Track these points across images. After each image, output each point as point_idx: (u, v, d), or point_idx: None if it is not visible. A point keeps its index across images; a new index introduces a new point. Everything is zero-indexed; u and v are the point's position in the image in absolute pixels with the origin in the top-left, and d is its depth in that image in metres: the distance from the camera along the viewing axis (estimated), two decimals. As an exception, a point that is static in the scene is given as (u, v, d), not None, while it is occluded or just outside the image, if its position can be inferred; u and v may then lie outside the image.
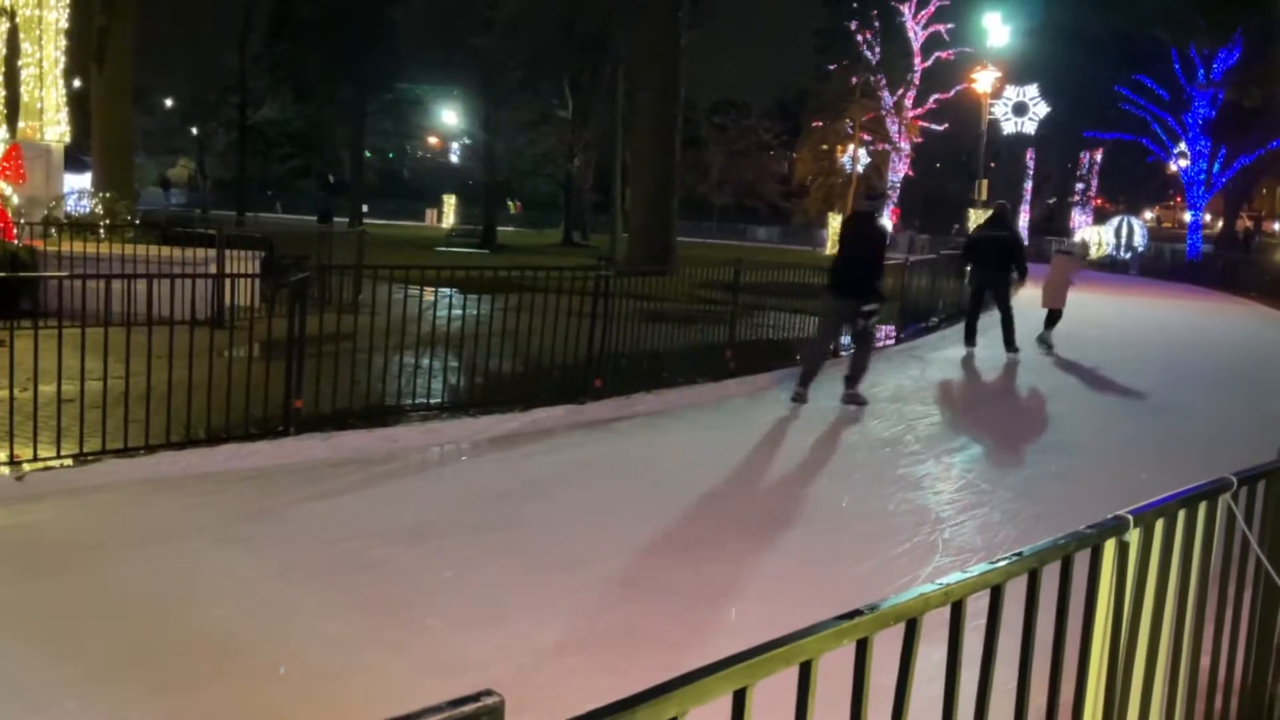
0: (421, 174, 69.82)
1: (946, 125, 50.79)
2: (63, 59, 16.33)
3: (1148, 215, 63.61)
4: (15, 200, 14.89)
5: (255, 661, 4.33)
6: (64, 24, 16.25)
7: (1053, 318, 15.66)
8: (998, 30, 34.79)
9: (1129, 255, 42.49)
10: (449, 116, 59.48)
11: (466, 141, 59.75)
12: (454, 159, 67.36)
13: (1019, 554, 2.23)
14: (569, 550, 5.91)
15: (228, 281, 11.47)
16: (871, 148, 51.64)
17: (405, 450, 8.03)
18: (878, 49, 50.42)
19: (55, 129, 16.26)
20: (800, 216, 56.79)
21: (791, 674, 1.72)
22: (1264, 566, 3.33)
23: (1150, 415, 11.27)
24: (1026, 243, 46.57)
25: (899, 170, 53.66)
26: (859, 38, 50.01)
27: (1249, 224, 60.85)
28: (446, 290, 14.81)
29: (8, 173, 14.88)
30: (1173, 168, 48.30)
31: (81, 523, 6.15)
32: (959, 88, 45.66)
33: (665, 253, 25.54)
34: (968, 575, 2.06)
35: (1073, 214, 58.50)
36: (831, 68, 52.27)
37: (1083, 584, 2.56)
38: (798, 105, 61.65)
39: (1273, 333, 20.50)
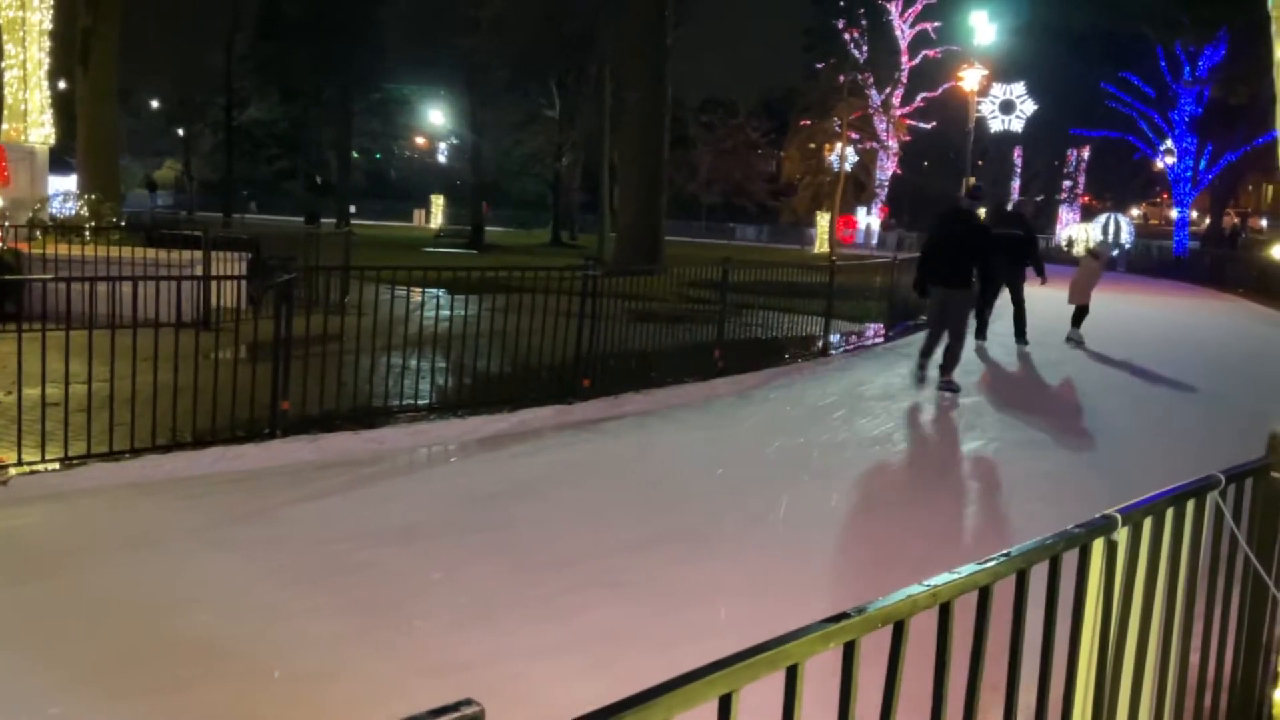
0: (409, 174, 69.68)
1: (934, 123, 50.94)
2: (47, 60, 16.25)
3: (1134, 212, 63.84)
4: (0, 203, 14.81)
5: (242, 664, 4.30)
6: (48, 25, 16.17)
7: (1079, 314, 16.07)
8: (984, 28, 34.86)
9: (1116, 252, 42.61)
10: (436, 117, 59.43)
11: (454, 142, 59.72)
12: (441, 159, 67.29)
13: (1007, 554, 2.22)
14: (558, 551, 5.89)
15: (214, 283, 11.42)
16: (859, 146, 51.71)
17: (393, 452, 8.00)
18: (865, 47, 50.51)
19: (40, 131, 16.18)
20: (788, 215, 56.84)
21: (779, 676, 1.70)
22: (1252, 564, 3.33)
23: (1140, 412, 11.29)
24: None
25: (887, 168, 53.79)
26: (846, 36, 50.10)
27: (1236, 221, 61.10)
28: (434, 291, 14.78)
29: (-8, 175, 14.80)
30: (1159, 165, 48.49)
31: (67, 527, 6.11)
32: (946, 86, 45.78)
33: (653, 252, 25.54)
34: (955, 576, 2.04)
35: (1060, 211, 58.66)
36: (819, 66, 52.35)
37: (1071, 583, 2.56)
38: (785, 104, 61.67)
39: (1260, 328, 20.59)
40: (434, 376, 10.16)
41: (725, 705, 1.57)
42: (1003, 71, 46.16)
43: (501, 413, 9.12)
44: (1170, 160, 44.84)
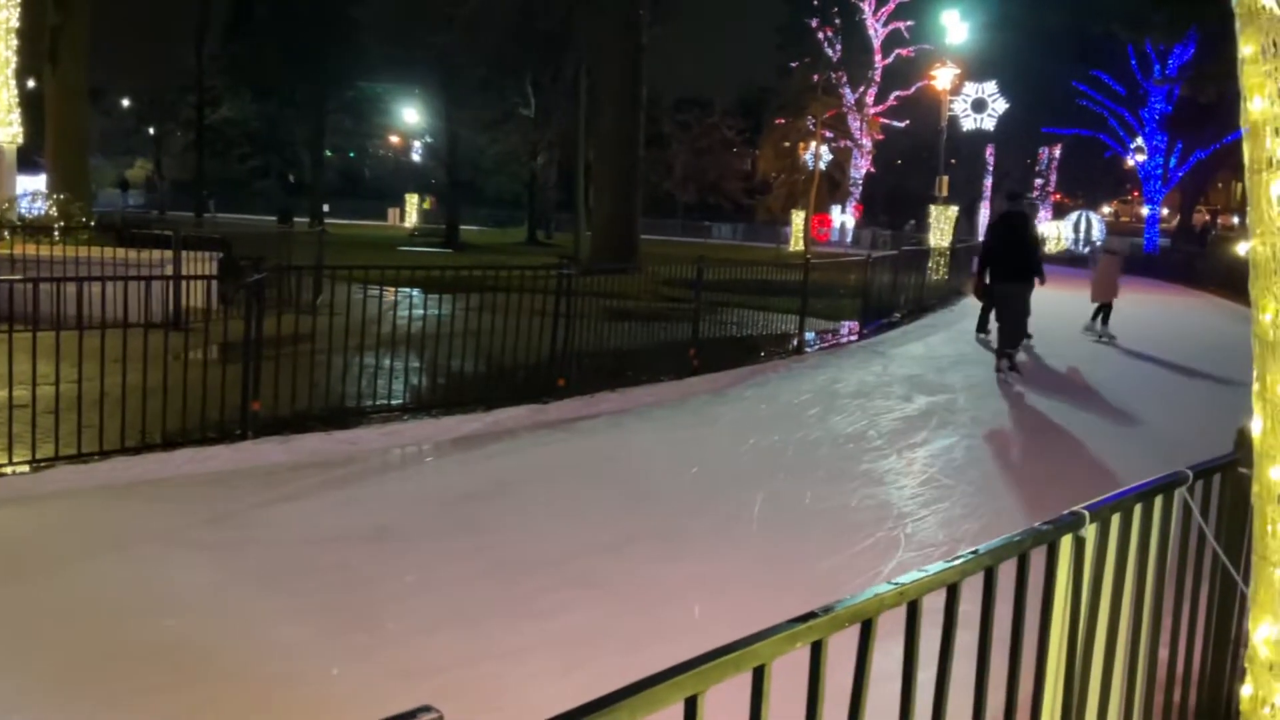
0: (383, 173, 69.31)
1: (907, 122, 51.12)
2: (14, 59, 16.08)
3: (1105, 210, 64.30)
4: (-33, 203, 14.64)
5: (213, 669, 4.26)
6: (15, 23, 16.00)
7: (1105, 311, 16.59)
8: (956, 27, 34.99)
9: (1087, 249, 42.91)
10: (410, 115, 59.10)
11: (428, 140, 59.42)
12: (416, 158, 66.98)
13: (975, 552, 2.22)
14: (532, 551, 5.87)
15: (184, 283, 11.33)
16: (834, 145, 51.86)
17: (365, 452, 7.95)
18: (838, 46, 50.68)
19: (7, 130, 16.01)
20: (764, 213, 56.89)
21: (746, 675, 1.69)
22: (1220, 559, 3.35)
23: (1113, 408, 11.37)
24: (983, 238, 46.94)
25: (861, 167, 53.98)
26: (820, 35, 50.23)
27: (1207, 218, 61.67)
28: (409, 290, 14.71)
29: (-42, 175, 14.63)
30: (1130, 163, 48.87)
31: (34, 531, 6.04)
32: (919, 85, 45.93)
33: (629, 251, 25.52)
34: (924, 574, 2.04)
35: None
36: (793, 65, 52.43)
37: (1040, 580, 2.56)
38: (760, 103, 61.76)
39: (1229, 325, 20.76)
40: (408, 376, 10.11)
41: (691, 707, 1.56)
42: (975, 70, 46.38)
43: (476, 412, 9.09)
44: (1141, 158, 45.22)
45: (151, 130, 61.60)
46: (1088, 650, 2.78)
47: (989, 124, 51.87)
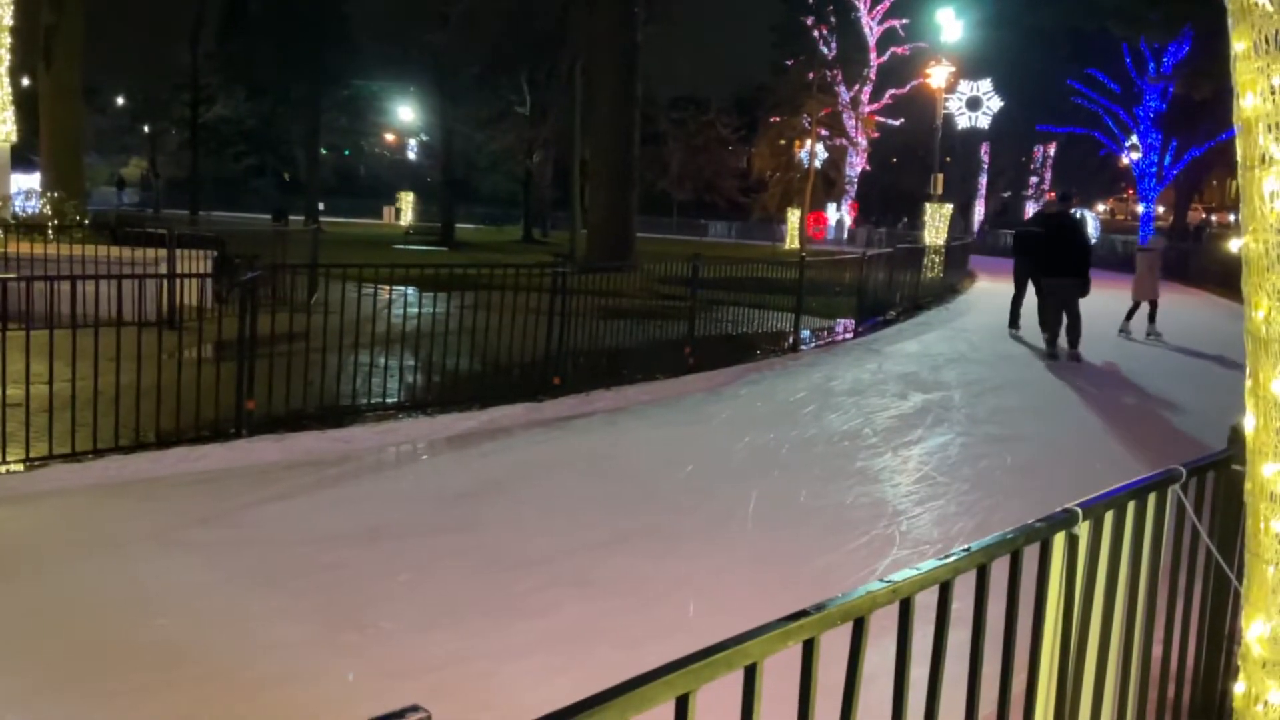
0: (378, 171, 69.23)
1: (902, 120, 51.13)
2: (8, 57, 16.05)
3: (1100, 208, 64.36)
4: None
5: (206, 668, 4.26)
6: (9, 21, 15.98)
7: (1152, 310, 16.80)
8: (951, 25, 34.97)
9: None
10: (405, 113, 59.02)
11: (424, 138, 59.34)
12: (411, 156, 66.91)
13: (967, 549, 2.22)
14: (527, 550, 5.87)
15: (179, 282, 11.31)
16: (829, 143, 51.86)
17: (360, 451, 7.94)
18: (834, 44, 50.65)
19: (1, 128, 15.97)
20: (759, 211, 56.85)
21: (738, 673, 1.69)
22: (1214, 557, 3.35)
23: (1105, 405, 11.38)
24: (978, 236, 46.91)
25: (856, 165, 53.97)
26: (815, 33, 50.20)
27: (1204, 215, 61.78)
28: (404, 288, 14.71)
29: (-48, 173, 14.60)
30: (1125, 160, 48.91)
31: (27, 530, 6.03)
32: (914, 83, 45.93)
33: (624, 249, 25.50)
34: (916, 572, 2.04)
35: (1026, 207, 59.07)
36: (788, 63, 52.38)
37: (1033, 578, 2.56)
38: (755, 101, 61.66)
39: (1224, 322, 20.78)
40: (403, 375, 10.11)
41: (682, 706, 1.55)
42: (970, 68, 46.35)
43: (471, 411, 9.09)
44: (1135, 156, 45.25)
45: (146, 128, 61.43)
46: (1081, 648, 2.78)
47: (984, 122, 51.86)
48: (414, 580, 5.37)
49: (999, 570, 2.38)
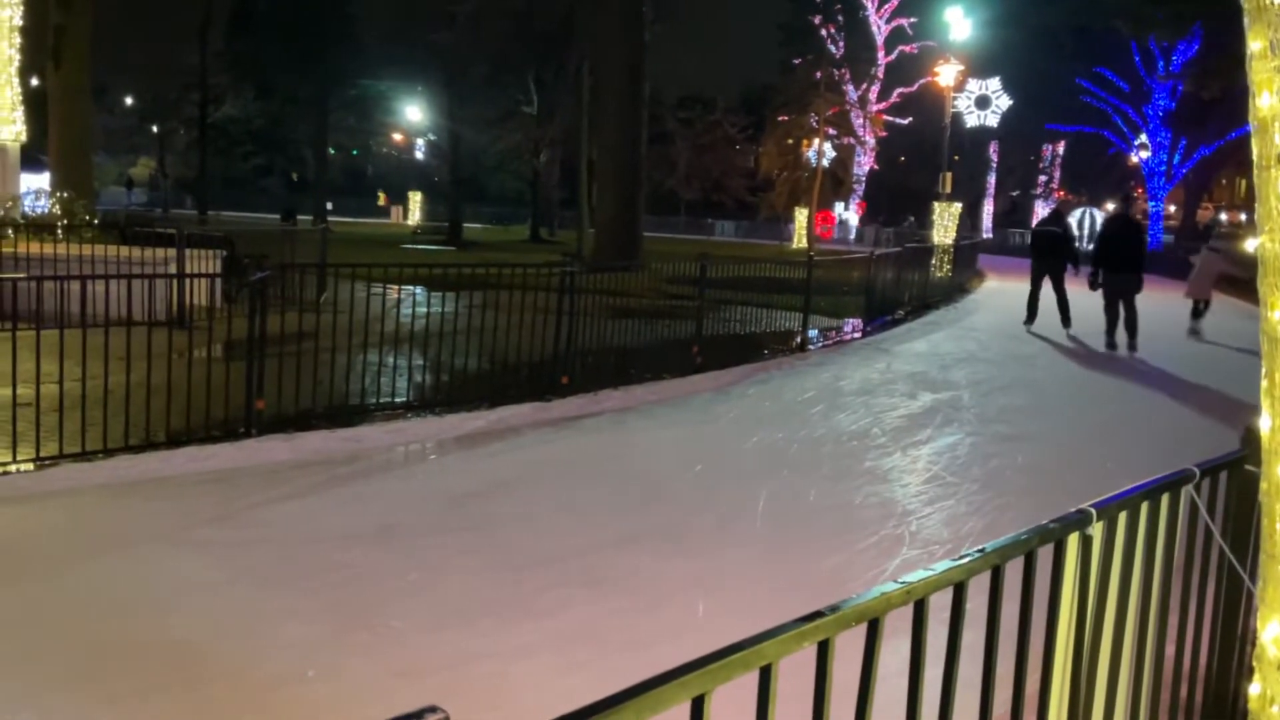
0: (386, 171, 69.33)
1: (910, 119, 51.07)
2: (18, 57, 16.09)
3: (1109, 206, 64.16)
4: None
5: (217, 668, 4.26)
6: (18, 21, 16.02)
7: (1199, 308, 17.15)
8: (960, 24, 34.94)
9: (1092, 246, 42.83)
10: (413, 113, 59.08)
11: (431, 138, 59.39)
12: (419, 156, 66.97)
13: (981, 550, 2.21)
14: (536, 549, 5.87)
15: (188, 281, 11.33)
16: (836, 142, 51.79)
17: (369, 450, 7.95)
18: (841, 43, 50.59)
19: (10, 128, 16.03)
20: (767, 211, 56.83)
21: (753, 674, 1.69)
22: (1227, 557, 3.34)
23: (1116, 404, 11.35)
24: (990, 235, 46.86)
25: (864, 164, 53.91)
26: (823, 32, 50.15)
27: (1217, 214, 61.62)
28: (412, 288, 14.71)
29: (-38, 173, 14.65)
30: (1134, 159, 48.79)
31: (37, 529, 6.04)
32: (922, 81, 45.87)
33: (632, 248, 25.50)
34: (930, 573, 2.03)
35: (1035, 206, 58.95)
36: (796, 62, 52.35)
37: (1047, 578, 2.55)
38: (763, 100, 61.64)
39: (1236, 322, 20.71)
40: (412, 374, 10.11)
41: (698, 707, 1.55)
42: (978, 67, 46.31)
43: (480, 410, 9.09)
44: (1145, 155, 45.15)
45: (155, 128, 61.61)
46: (1094, 648, 2.77)
47: (993, 120, 51.82)
48: (423, 579, 5.38)
49: (1013, 571, 2.37)
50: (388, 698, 4.02)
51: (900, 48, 50.50)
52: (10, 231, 14.55)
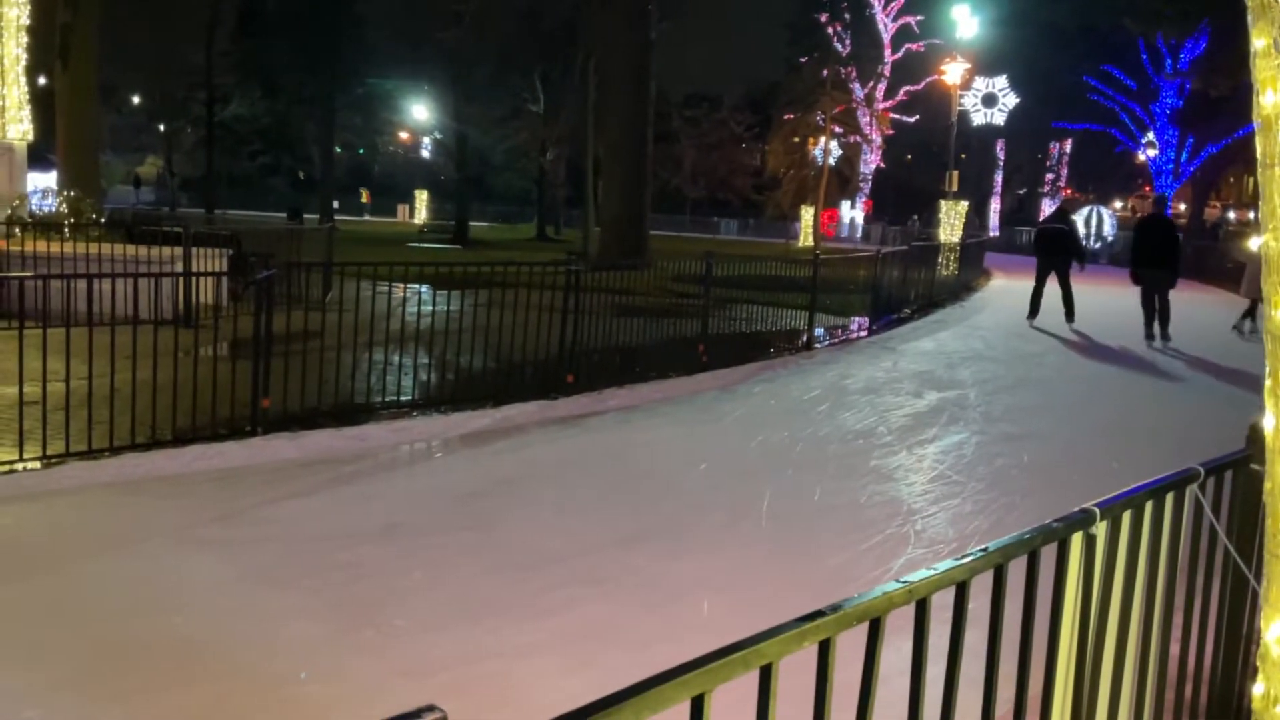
0: (392, 170, 69.40)
1: (917, 117, 51.01)
2: (25, 56, 16.11)
3: (1118, 205, 64.03)
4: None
5: (221, 666, 4.27)
6: (25, 20, 16.04)
7: (1253, 307, 17.12)
8: (967, 22, 34.88)
9: (1099, 245, 42.78)
10: (419, 112, 59.15)
11: (437, 137, 59.45)
12: (425, 154, 67.04)
13: (984, 549, 2.21)
14: (540, 548, 5.87)
15: (194, 280, 11.34)
16: (843, 140, 51.75)
17: (375, 449, 7.96)
18: (848, 41, 50.55)
19: (18, 127, 16.04)
20: (773, 209, 56.83)
21: (753, 674, 1.69)
22: (1232, 557, 3.33)
23: (1122, 403, 11.33)
24: (997, 234, 46.82)
25: (870, 162, 53.86)
26: (829, 30, 50.09)
27: (1224, 213, 61.46)
28: (418, 287, 14.73)
29: (-31, 172, 14.68)
30: (1141, 157, 48.69)
31: (44, 527, 6.06)
32: (929, 79, 45.82)
33: (637, 247, 25.50)
34: (932, 572, 2.03)
35: (1042, 204, 58.82)
36: (802, 60, 52.34)
37: (1050, 578, 2.55)
38: (769, 98, 61.62)
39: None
40: (417, 373, 10.12)
41: (698, 706, 1.55)
42: (985, 65, 46.23)
43: (484, 409, 9.10)
44: (1152, 153, 45.05)
45: (162, 127, 61.70)
46: (1098, 647, 2.77)
47: (999, 119, 51.73)
48: (428, 578, 5.38)
49: (1016, 570, 2.36)
50: (391, 696, 4.03)
51: (907, 46, 50.44)
52: (17, 230, 14.58)
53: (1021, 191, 64.05)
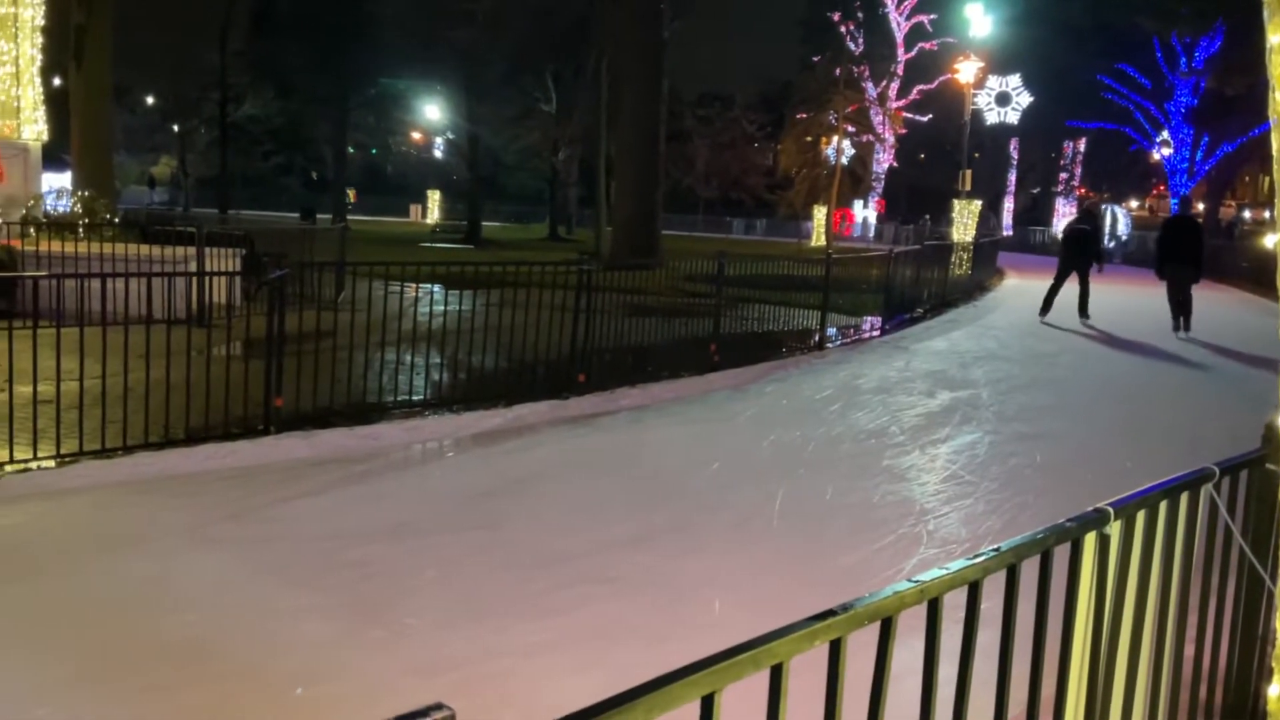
0: (405, 170, 69.52)
1: (930, 116, 50.83)
2: (40, 57, 16.19)
3: (1133, 204, 63.76)
4: (-8, 200, 14.78)
5: (232, 664, 4.28)
6: (40, 21, 16.11)
7: None
8: (980, 21, 34.75)
9: (1113, 244, 42.59)
10: (432, 112, 59.21)
11: (450, 136, 59.52)
12: (438, 154, 67.12)
13: (997, 549, 2.19)
14: (551, 547, 5.87)
15: (208, 279, 11.38)
16: (856, 139, 51.62)
17: (387, 448, 7.97)
18: (861, 40, 50.42)
19: (33, 127, 16.12)
20: (785, 208, 56.68)
21: (764, 673, 1.68)
22: (1247, 557, 3.30)
23: (1136, 402, 11.28)
24: (1010, 233, 46.62)
25: (883, 161, 53.72)
26: (842, 29, 49.98)
27: (1240, 212, 61.16)
28: (430, 286, 14.75)
29: (-15, 172, 14.76)
30: (1156, 156, 48.47)
31: (58, 525, 6.08)
32: (942, 78, 45.65)
33: (650, 246, 25.49)
34: (945, 572, 2.02)
35: (1056, 204, 58.62)
36: (815, 59, 52.19)
37: (1063, 577, 2.53)
38: (782, 97, 61.49)
39: (1254, 319, 20.54)
40: (429, 372, 10.13)
41: (708, 706, 1.54)
42: (999, 64, 46.06)
43: (496, 408, 9.10)
44: (1167, 152, 44.84)
45: (176, 127, 61.95)
46: (1112, 648, 2.75)
47: (1013, 118, 51.57)
48: (439, 577, 5.39)
49: (1029, 570, 2.35)
50: (401, 695, 4.03)
51: (920, 44, 50.28)
52: (32, 230, 14.65)
53: (1035, 191, 63.81)
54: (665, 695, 1.45)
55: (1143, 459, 8.10)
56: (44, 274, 9.92)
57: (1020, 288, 25.09)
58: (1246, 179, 65.67)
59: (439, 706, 1.25)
